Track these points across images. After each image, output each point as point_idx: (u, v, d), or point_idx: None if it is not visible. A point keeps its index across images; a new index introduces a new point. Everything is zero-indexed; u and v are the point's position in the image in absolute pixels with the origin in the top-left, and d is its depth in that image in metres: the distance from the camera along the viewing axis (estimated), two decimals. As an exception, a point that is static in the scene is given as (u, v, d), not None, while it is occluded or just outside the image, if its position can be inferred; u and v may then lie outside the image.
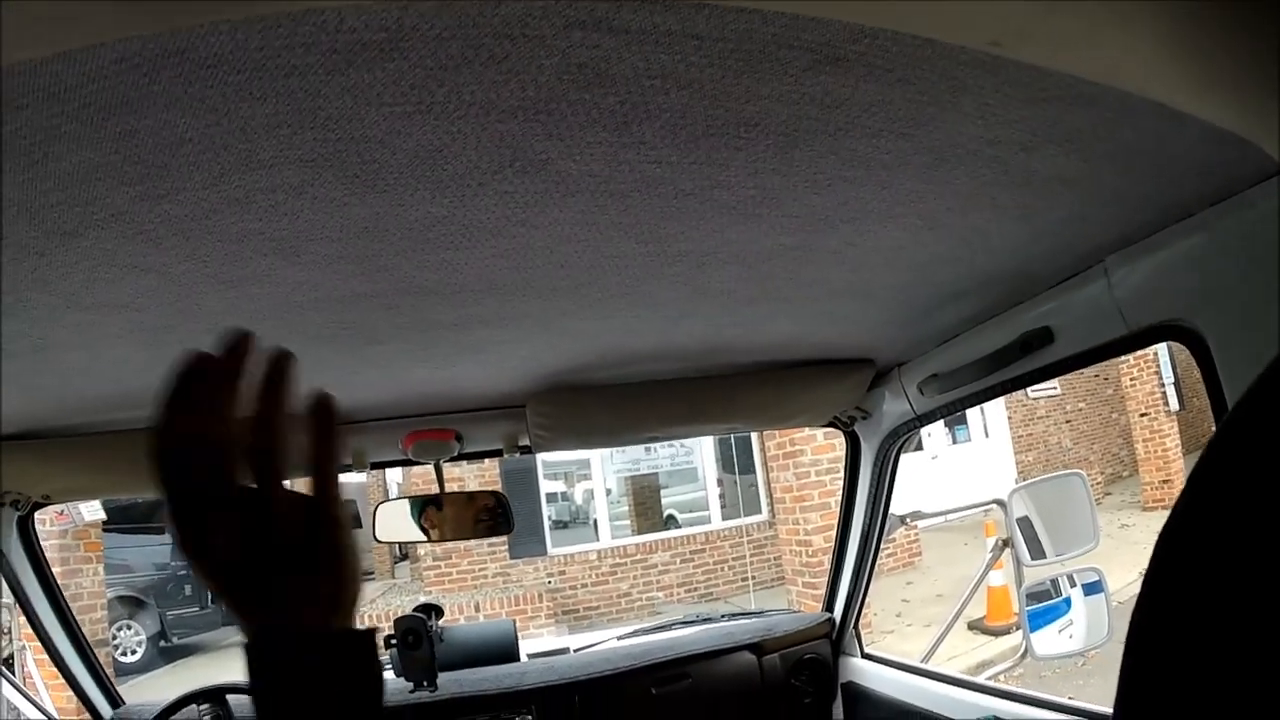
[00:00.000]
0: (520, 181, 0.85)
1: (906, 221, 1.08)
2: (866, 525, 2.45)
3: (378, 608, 10.10)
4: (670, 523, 12.43)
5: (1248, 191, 1.00)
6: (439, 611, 2.48)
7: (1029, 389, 14.29)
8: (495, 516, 2.15)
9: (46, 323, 1.12)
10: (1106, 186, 1.01)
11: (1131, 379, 12.44)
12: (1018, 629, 3.05)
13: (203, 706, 2.18)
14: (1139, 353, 12.49)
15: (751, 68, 0.68)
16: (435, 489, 2.16)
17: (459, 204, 0.89)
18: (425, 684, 2.34)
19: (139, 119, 0.67)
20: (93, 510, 7.01)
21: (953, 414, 2.00)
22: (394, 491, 16.16)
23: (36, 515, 2.16)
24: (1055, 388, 14.74)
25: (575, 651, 2.87)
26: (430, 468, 2.14)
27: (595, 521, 11.96)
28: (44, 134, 0.67)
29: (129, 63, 0.60)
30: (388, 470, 16.75)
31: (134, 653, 10.49)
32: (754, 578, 10.98)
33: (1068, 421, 15.00)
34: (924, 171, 0.92)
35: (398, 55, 0.62)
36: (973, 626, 7.61)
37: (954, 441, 13.97)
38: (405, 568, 17.19)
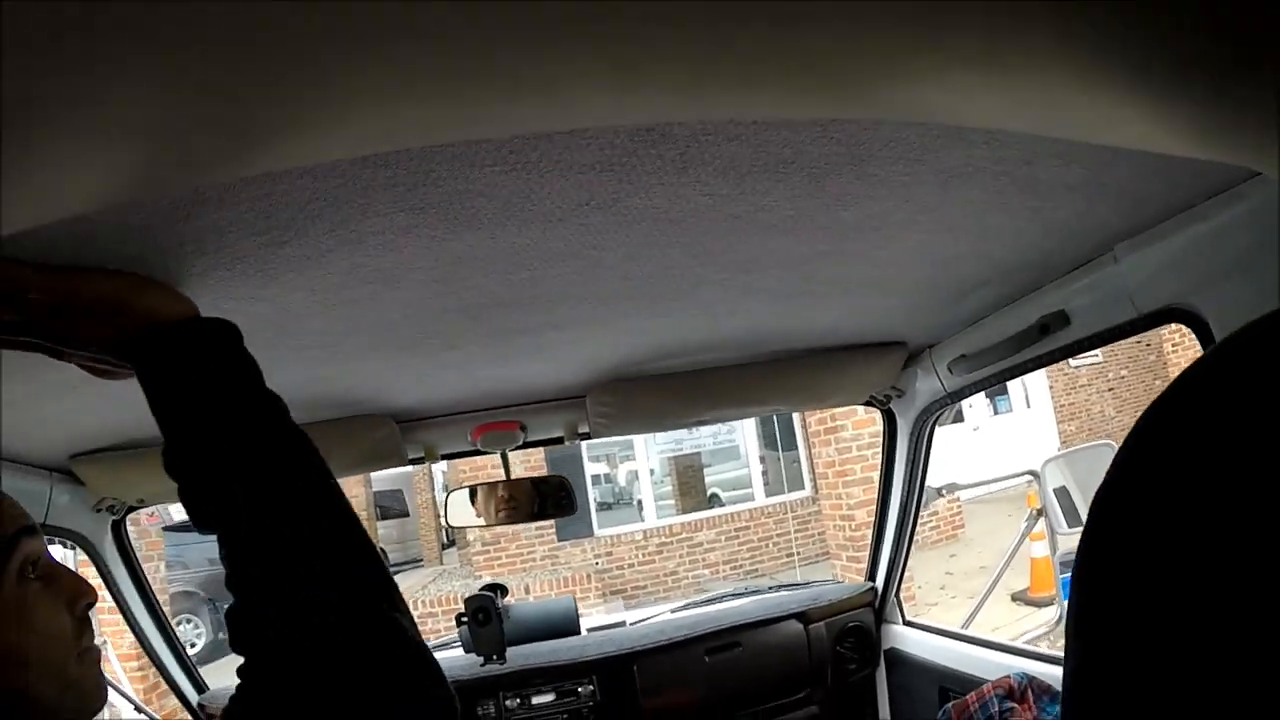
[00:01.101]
0: (594, 216, 0.96)
1: (926, 227, 1.17)
2: (904, 498, 2.54)
3: (429, 593, 10.17)
4: (714, 501, 12.39)
5: (1241, 185, 1.08)
6: (504, 590, 2.60)
7: (1071, 358, 14.12)
8: (559, 499, 2.25)
9: None
10: (1108, 187, 1.09)
11: (1174, 345, 12.20)
12: (1057, 603, 3.10)
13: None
14: (1181, 318, 12.27)
15: (788, 121, 0.79)
16: (479, 479, 2.26)
17: (541, 235, 1.00)
18: (495, 658, 2.48)
19: (275, 184, 0.77)
20: (180, 510, 7.22)
21: (981, 390, 2.08)
22: (439, 480, 16.29)
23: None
24: (1098, 355, 14.45)
25: (631, 624, 2.98)
26: (477, 461, 2.24)
27: (640, 502, 11.96)
28: (189, 200, 0.77)
29: None
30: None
31: (194, 645, 10.71)
32: (798, 553, 10.93)
33: (1110, 390, 14.72)
34: (938, 187, 1.02)
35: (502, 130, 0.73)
36: (1016, 598, 7.56)
37: (995, 413, 13.76)
38: (453, 554, 17.32)
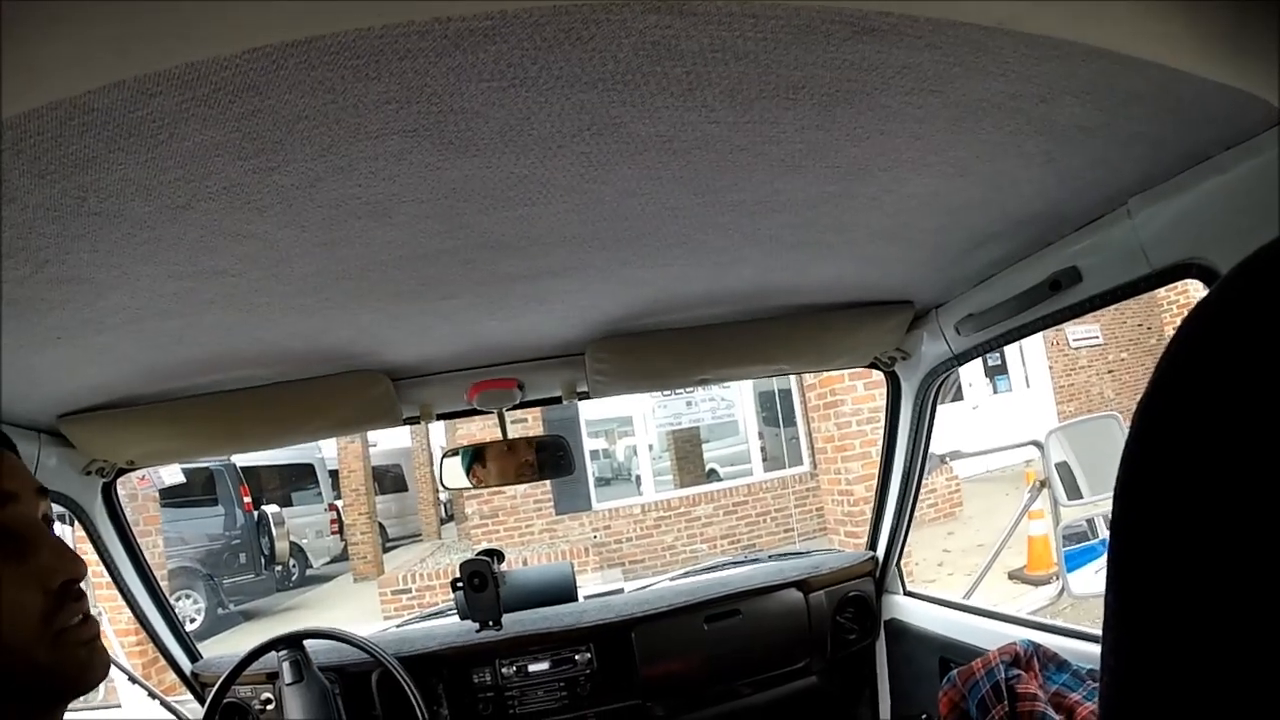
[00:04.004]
0: (595, 143, 0.92)
1: (939, 169, 1.13)
2: (907, 464, 2.52)
3: (427, 567, 10.22)
4: (712, 476, 12.44)
5: (1259, 136, 1.05)
6: (500, 556, 2.57)
7: (1071, 339, 14.13)
8: (558, 458, 2.23)
9: (147, 294, 1.18)
10: (1123, 132, 1.06)
11: (1175, 329, 12.20)
12: (1058, 579, 3.09)
13: (281, 652, 2.28)
14: (1181, 301, 12.26)
15: (799, 40, 0.75)
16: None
17: (539, 164, 0.96)
18: (491, 624, 2.45)
19: (263, 100, 0.73)
20: (172, 474, 7.21)
21: (989, 352, 2.04)
22: (438, 455, 16.38)
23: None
24: (1098, 337, 14.51)
25: (630, 592, 2.96)
26: (476, 436, 2.22)
27: (638, 477, 11.97)
28: (172, 117, 0.73)
29: (260, 51, 0.66)
30: (430, 432, 17.02)
31: (193, 621, 10.80)
32: (797, 528, 11.01)
33: (1110, 372, 14.74)
34: (952, 124, 0.98)
35: (499, 39, 0.70)
36: (1013, 576, 7.61)
37: (995, 392, 13.84)
38: (452, 528, 17.41)
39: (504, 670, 2.49)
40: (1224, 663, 0.35)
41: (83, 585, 0.89)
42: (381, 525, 16.24)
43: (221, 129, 0.78)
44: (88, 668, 0.87)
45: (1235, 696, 0.35)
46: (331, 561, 15.66)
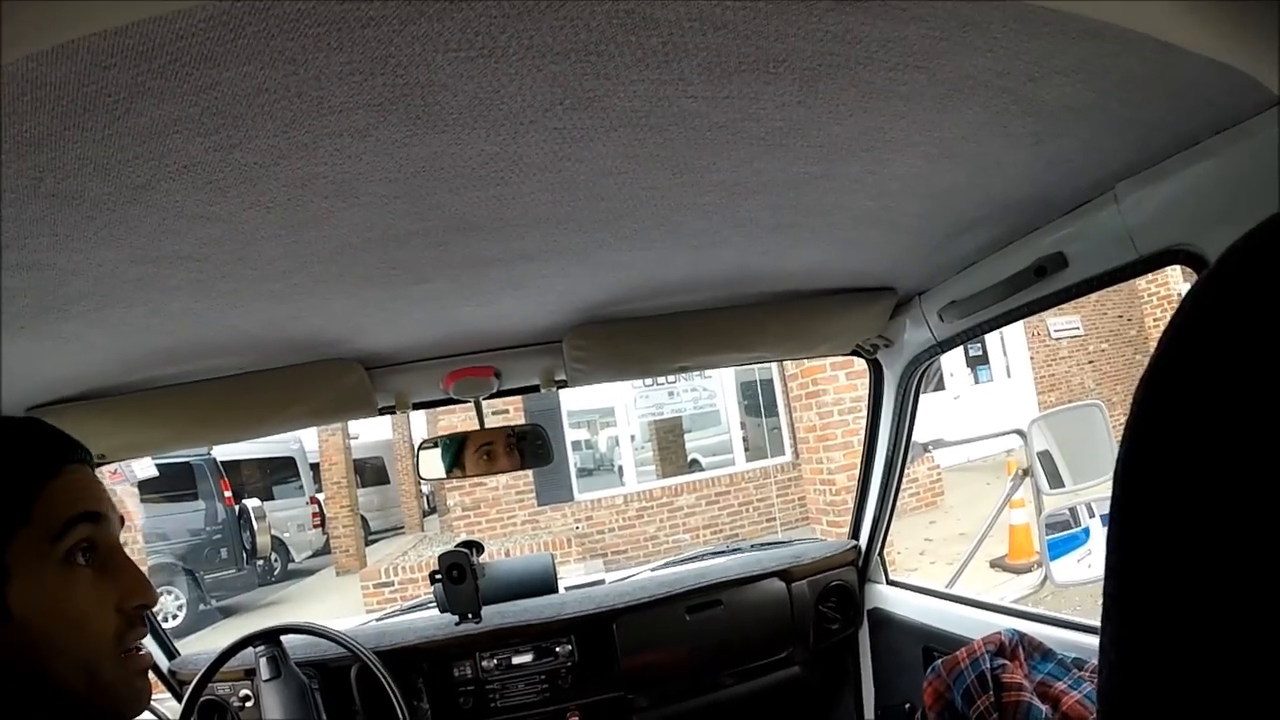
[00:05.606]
0: (569, 118, 0.89)
1: (923, 150, 1.11)
2: (890, 452, 2.50)
3: (410, 559, 10.19)
4: (694, 466, 12.44)
5: (1250, 120, 1.03)
6: (480, 548, 2.55)
7: (1052, 329, 14.23)
8: (536, 447, 2.21)
9: (110, 280, 1.15)
10: (1114, 115, 1.04)
11: (1155, 320, 12.34)
12: (1039, 567, 3.09)
13: (259, 648, 2.25)
14: (1162, 293, 12.37)
15: (780, 9, 0.73)
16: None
17: (511, 141, 0.93)
18: (470, 616, 2.42)
19: (221, 72, 0.71)
20: (145, 467, 7.15)
21: (973, 339, 2.03)
22: (418, 442, 16.37)
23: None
24: (1078, 328, 14.61)
25: (611, 583, 2.94)
26: (458, 428, 2.18)
27: (620, 467, 11.96)
28: (128, 91, 0.71)
29: (217, 20, 0.64)
30: (411, 423, 16.98)
31: (175, 617, 10.75)
32: (779, 518, 11.04)
33: (1090, 362, 14.86)
34: (938, 102, 0.96)
35: (465, 5, 0.67)
36: (994, 564, 7.66)
37: (976, 382, 13.93)
38: (434, 520, 17.38)
39: (484, 663, 2.47)
40: (1230, 653, 0.34)
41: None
42: (364, 518, 16.20)
43: (179, 103, 0.75)
44: (137, 695, 0.92)
45: (1242, 689, 0.34)
46: (313, 555, 15.63)
